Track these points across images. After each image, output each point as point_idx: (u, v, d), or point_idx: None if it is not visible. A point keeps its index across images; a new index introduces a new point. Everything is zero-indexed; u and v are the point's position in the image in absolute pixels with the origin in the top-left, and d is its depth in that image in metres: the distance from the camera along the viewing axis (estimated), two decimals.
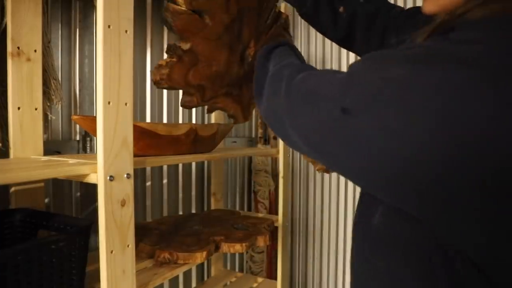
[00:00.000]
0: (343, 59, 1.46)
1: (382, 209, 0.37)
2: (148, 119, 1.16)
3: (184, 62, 0.60)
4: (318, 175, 1.55)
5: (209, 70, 0.65)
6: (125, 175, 0.54)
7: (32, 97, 0.69)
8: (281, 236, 1.09)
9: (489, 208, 0.27)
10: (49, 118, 0.80)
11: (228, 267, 1.52)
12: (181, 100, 0.65)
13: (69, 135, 0.95)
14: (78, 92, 0.97)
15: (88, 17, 0.98)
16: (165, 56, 1.23)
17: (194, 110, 1.32)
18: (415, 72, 0.28)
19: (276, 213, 1.11)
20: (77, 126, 0.96)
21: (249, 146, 1.58)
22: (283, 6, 0.95)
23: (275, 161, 1.58)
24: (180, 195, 1.28)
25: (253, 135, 1.64)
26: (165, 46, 1.21)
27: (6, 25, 0.65)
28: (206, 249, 0.76)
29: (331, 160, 0.35)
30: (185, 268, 0.74)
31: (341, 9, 0.67)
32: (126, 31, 0.53)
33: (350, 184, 1.46)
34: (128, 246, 0.55)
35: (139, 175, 1.13)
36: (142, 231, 0.86)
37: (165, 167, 1.22)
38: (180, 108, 1.28)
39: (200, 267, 1.35)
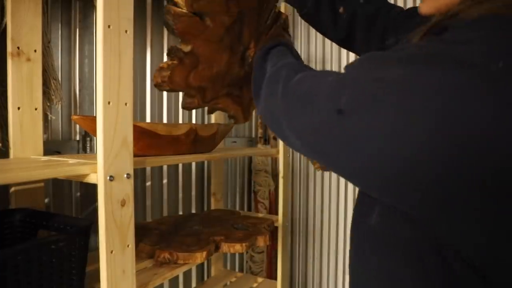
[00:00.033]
0: (343, 59, 1.46)
1: (379, 209, 0.37)
2: (148, 119, 1.16)
3: (185, 65, 0.60)
4: (318, 175, 1.55)
5: (210, 71, 0.65)
6: (125, 175, 0.54)
7: (32, 97, 0.69)
8: (281, 236, 1.09)
9: (489, 208, 0.27)
10: (49, 118, 0.80)
11: (228, 267, 1.52)
12: (182, 101, 0.66)
13: (69, 135, 0.95)
14: (78, 92, 0.97)
15: (88, 17, 0.98)
16: (165, 56, 1.23)
17: (194, 110, 1.32)
18: (414, 72, 0.28)
19: (276, 213, 1.11)
20: (77, 126, 0.96)
21: (249, 146, 1.58)
22: (283, 6, 0.95)
23: (275, 161, 1.58)
24: (180, 195, 1.27)
25: (253, 135, 1.64)
26: (165, 46, 1.21)
27: (6, 25, 0.65)
28: (206, 249, 0.76)
29: (328, 160, 0.36)
30: (185, 268, 0.74)
31: (341, 9, 0.67)
32: (126, 31, 0.53)
33: (350, 184, 1.46)
34: (128, 246, 0.55)
35: (139, 175, 1.13)
36: (142, 231, 0.86)
37: (165, 167, 1.22)
38: (180, 108, 1.28)
39: (200, 267, 1.35)
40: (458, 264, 0.31)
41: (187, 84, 0.62)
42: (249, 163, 1.62)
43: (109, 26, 0.50)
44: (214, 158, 0.86)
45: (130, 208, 0.55)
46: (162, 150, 0.71)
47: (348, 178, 0.36)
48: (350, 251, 0.43)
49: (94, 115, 0.53)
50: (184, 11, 0.56)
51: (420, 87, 0.26)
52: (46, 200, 0.84)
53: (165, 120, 1.22)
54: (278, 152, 1.10)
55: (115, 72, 0.52)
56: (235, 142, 1.53)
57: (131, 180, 0.55)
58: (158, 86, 0.58)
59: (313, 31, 1.51)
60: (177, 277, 1.25)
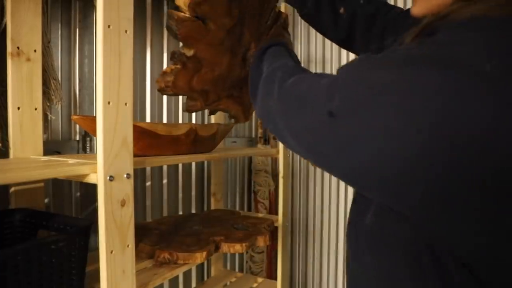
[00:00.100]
0: (343, 59, 1.46)
1: (374, 209, 0.37)
2: (148, 119, 1.16)
3: (188, 69, 0.60)
4: (318, 175, 1.55)
5: (212, 74, 0.66)
6: (125, 175, 0.54)
7: (32, 97, 0.69)
8: (281, 236, 1.09)
9: (489, 208, 0.27)
10: (49, 118, 0.80)
11: (228, 267, 1.52)
12: (185, 105, 0.66)
13: (69, 135, 0.95)
14: (78, 92, 0.97)
15: (88, 17, 0.98)
16: (165, 56, 1.23)
17: None
18: (414, 72, 0.28)
19: (276, 213, 1.11)
20: (77, 126, 0.96)
21: (249, 146, 1.58)
22: (283, 6, 0.95)
23: (275, 161, 1.58)
24: (180, 195, 1.27)
25: (253, 135, 1.64)
26: (165, 46, 1.21)
27: (6, 25, 0.65)
28: (206, 249, 0.76)
29: (323, 161, 0.36)
30: (185, 268, 0.74)
31: (341, 10, 0.67)
32: (126, 31, 0.53)
33: None
34: (128, 246, 0.55)
35: (139, 175, 1.13)
36: (142, 231, 0.86)
37: (165, 167, 1.22)
38: (180, 108, 1.28)
39: (200, 267, 1.35)
40: (453, 264, 0.31)
41: (190, 88, 0.62)
42: (249, 163, 1.62)
43: (109, 26, 0.50)
44: (214, 158, 0.86)
45: (130, 208, 0.55)
46: (162, 150, 0.71)
47: (344, 178, 0.36)
48: (347, 250, 0.43)
49: (94, 115, 0.53)
50: (187, 15, 0.56)
51: (420, 87, 0.26)
52: (46, 200, 0.84)
53: (165, 120, 1.22)
54: (278, 152, 1.10)
55: (115, 72, 0.52)
56: (235, 142, 1.53)
57: (131, 180, 0.55)
58: (161, 91, 0.59)
59: (313, 31, 1.51)
60: (177, 277, 1.25)
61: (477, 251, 0.30)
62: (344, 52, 1.45)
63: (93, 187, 0.52)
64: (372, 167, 0.29)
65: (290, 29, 1.56)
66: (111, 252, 0.53)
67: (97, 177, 0.52)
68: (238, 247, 0.82)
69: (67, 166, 0.53)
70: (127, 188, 0.55)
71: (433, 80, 0.26)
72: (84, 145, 0.96)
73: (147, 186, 1.15)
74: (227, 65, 0.68)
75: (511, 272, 0.30)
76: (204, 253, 0.75)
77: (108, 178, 0.52)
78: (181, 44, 0.59)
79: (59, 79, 0.87)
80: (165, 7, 1.20)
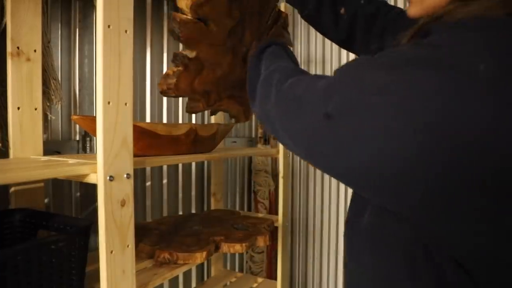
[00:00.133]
0: (343, 59, 1.46)
1: (371, 209, 0.38)
2: (148, 119, 1.16)
3: (190, 70, 0.60)
4: (318, 175, 1.55)
5: (214, 75, 0.66)
6: (125, 175, 0.54)
7: (32, 97, 0.69)
8: (281, 236, 1.09)
9: (489, 208, 0.27)
10: (49, 118, 0.80)
11: (228, 267, 1.52)
12: (187, 106, 0.66)
13: (69, 135, 0.95)
14: (78, 92, 0.97)
15: (88, 17, 0.98)
16: (165, 56, 1.23)
17: None
18: (414, 73, 0.28)
19: (276, 213, 1.11)
20: (77, 126, 0.96)
21: (249, 146, 1.58)
22: (283, 6, 0.95)
23: (275, 161, 1.58)
24: (180, 195, 1.27)
25: (253, 135, 1.64)
26: (165, 46, 1.21)
27: (6, 25, 0.65)
28: (206, 249, 0.76)
29: (322, 162, 0.36)
30: (185, 268, 0.74)
31: (342, 10, 0.67)
32: (126, 31, 0.53)
33: None
34: (128, 246, 0.55)
35: (139, 175, 1.13)
36: (142, 231, 0.86)
37: (165, 167, 1.22)
38: (180, 108, 1.28)
39: (200, 267, 1.35)
40: (448, 264, 0.31)
41: (192, 89, 0.62)
42: (249, 163, 1.62)
43: (109, 26, 0.50)
44: (214, 158, 0.86)
45: (130, 208, 0.55)
46: (162, 150, 0.71)
47: (343, 179, 0.36)
48: (344, 250, 0.44)
49: (94, 115, 0.53)
50: (189, 17, 0.56)
51: (420, 87, 0.27)
52: (46, 200, 0.84)
53: (165, 120, 1.22)
54: (278, 152, 1.10)
55: (115, 72, 0.52)
56: (235, 142, 1.53)
57: (131, 180, 0.55)
58: (163, 93, 0.59)
59: (313, 31, 1.51)
60: (177, 277, 1.25)
61: (477, 251, 0.30)
62: (344, 52, 1.45)
63: (93, 187, 0.52)
64: (372, 167, 0.29)
65: (290, 29, 1.56)
66: (111, 252, 0.53)
67: (97, 177, 0.52)
68: (238, 247, 0.82)
69: (67, 166, 0.52)
70: (127, 188, 0.55)
71: (433, 80, 0.26)
72: (84, 145, 0.96)
73: (147, 186, 1.15)
74: (228, 65, 0.68)
75: (510, 272, 0.30)
76: (204, 253, 0.75)
77: (108, 178, 0.52)
78: (180, 45, 0.59)
79: (59, 79, 0.87)
80: (165, 7, 1.20)
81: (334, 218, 1.51)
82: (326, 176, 1.53)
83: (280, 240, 1.09)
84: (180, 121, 1.28)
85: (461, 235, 0.29)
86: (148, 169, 1.15)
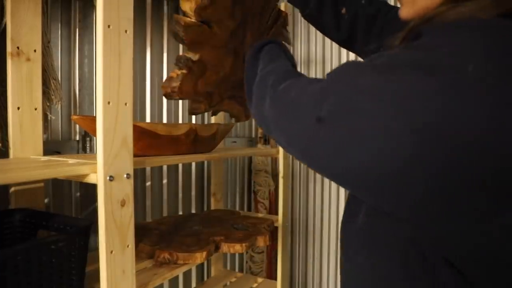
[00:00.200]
0: (343, 59, 1.46)
1: (365, 209, 0.38)
2: (148, 119, 1.16)
3: (193, 73, 0.60)
4: (318, 175, 1.55)
5: (216, 76, 0.66)
6: (125, 175, 0.54)
7: (32, 97, 0.69)
8: (281, 236, 1.09)
9: (489, 208, 0.27)
10: (49, 118, 0.80)
11: (228, 267, 1.52)
12: (189, 107, 0.66)
13: (68, 135, 0.95)
14: (78, 92, 0.97)
15: (88, 17, 0.98)
16: (165, 56, 1.23)
17: None
18: (414, 73, 0.28)
19: (276, 213, 1.11)
20: (77, 126, 0.96)
21: (249, 146, 1.58)
22: (283, 6, 0.95)
23: (275, 161, 1.58)
24: (180, 195, 1.27)
25: (253, 135, 1.64)
26: (165, 46, 1.21)
27: (5, 25, 0.65)
28: (206, 249, 0.76)
29: (318, 164, 0.36)
30: (185, 268, 0.74)
31: (343, 10, 0.67)
32: (126, 31, 0.53)
33: None
34: (128, 246, 0.55)
35: (139, 175, 1.13)
36: (142, 231, 0.86)
37: (165, 167, 1.22)
38: (180, 108, 1.28)
39: (200, 267, 1.35)
40: (441, 264, 0.32)
41: (195, 91, 0.62)
42: (249, 163, 1.62)
43: (109, 26, 0.50)
44: (214, 158, 0.86)
45: (130, 208, 0.55)
46: (162, 150, 0.71)
47: (340, 180, 0.36)
48: (340, 250, 0.44)
49: (94, 115, 0.53)
50: (192, 20, 0.56)
51: (420, 88, 0.27)
52: (46, 200, 0.84)
53: (165, 120, 1.22)
54: (278, 152, 1.10)
55: (115, 72, 0.52)
56: (235, 142, 1.53)
57: (131, 180, 0.55)
58: (167, 96, 0.59)
59: (313, 30, 1.51)
60: (177, 277, 1.25)
61: (477, 251, 0.30)
62: (344, 52, 1.45)
63: (93, 187, 0.52)
64: (371, 167, 0.29)
65: (290, 29, 1.56)
66: (111, 252, 0.53)
67: (97, 177, 0.52)
68: (238, 247, 0.82)
69: (67, 166, 0.52)
70: (127, 188, 0.55)
71: (433, 81, 0.26)
72: (84, 145, 0.96)
73: (147, 186, 1.15)
74: (230, 66, 0.68)
75: (510, 272, 0.30)
76: (204, 253, 0.75)
77: (108, 178, 0.52)
78: (180, 45, 0.59)
79: (59, 79, 0.87)
80: (165, 7, 1.20)
81: (334, 218, 1.51)
82: None
83: (280, 240, 1.09)
84: (180, 121, 1.28)
85: (461, 235, 0.29)
86: (148, 169, 1.15)
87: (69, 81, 0.95)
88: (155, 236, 0.83)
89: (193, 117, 1.32)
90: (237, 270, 1.56)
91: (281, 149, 1.09)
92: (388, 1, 0.69)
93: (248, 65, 0.55)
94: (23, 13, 0.66)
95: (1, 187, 0.61)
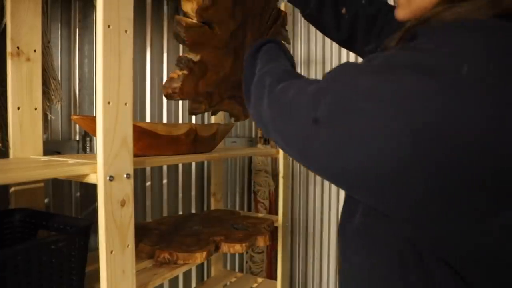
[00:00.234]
0: (343, 59, 1.46)
1: (362, 209, 0.38)
2: (148, 119, 1.16)
3: (194, 74, 0.60)
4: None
5: (217, 76, 0.66)
6: (125, 175, 0.54)
7: (32, 97, 0.69)
8: (281, 236, 1.09)
9: (489, 208, 0.27)
10: (49, 118, 0.80)
11: (228, 267, 1.52)
12: (190, 107, 0.66)
13: (68, 135, 0.95)
14: (78, 92, 0.97)
15: (88, 17, 0.98)
16: (165, 56, 1.23)
17: None
18: (413, 73, 0.28)
19: (276, 213, 1.11)
20: (77, 126, 0.96)
21: (249, 146, 1.58)
22: (283, 6, 0.95)
23: (275, 161, 1.58)
24: (180, 195, 1.27)
25: (253, 135, 1.64)
26: (165, 46, 1.21)
27: (5, 25, 0.65)
28: (206, 249, 0.76)
29: (316, 164, 0.36)
30: (185, 268, 0.74)
31: (343, 10, 0.67)
32: (126, 31, 0.53)
33: None
34: (128, 246, 0.55)
35: (139, 175, 1.13)
36: (142, 231, 0.86)
37: (165, 167, 1.22)
38: (180, 108, 1.28)
39: (200, 267, 1.35)
40: (436, 264, 0.32)
41: (196, 92, 0.62)
42: (249, 163, 1.62)
43: (109, 26, 0.50)
44: (214, 158, 0.86)
45: (130, 208, 0.55)
46: (162, 150, 0.71)
47: (338, 180, 0.36)
48: (339, 251, 0.44)
49: (94, 115, 0.53)
50: (194, 21, 0.56)
51: (420, 88, 0.27)
52: (46, 200, 0.84)
53: (165, 120, 1.22)
54: (278, 152, 1.10)
55: (115, 72, 0.52)
56: (235, 142, 1.53)
57: (131, 180, 0.55)
58: (168, 97, 0.59)
59: (313, 30, 1.51)
60: (177, 277, 1.25)
61: (477, 251, 0.30)
62: (344, 51, 1.45)
63: (93, 187, 0.52)
64: (371, 167, 0.29)
65: (290, 28, 1.56)
66: (111, 252, 0.53)
67: (97, 177, 0.52)
68: (238, 247, 0.82)
69: (67, 166, 0.52)
70: (127, 188, 0.55)
71: (433, 81, 0.26)
72: (84, 145, 0.96)
73: (147, 186, 1.15)
74: (230, 66, 0.68)
75: (510, 272, 0.30)
76: (204, 253, 0.75)
77: (108, 178, 0.52)
78: (181, 45, 0.59)
79: (59, 79, 0.87)
80: (165, 7, 1.20)
81: (334, 218, 1.51)
82: None
83: (280, 240, 1.09)
84: (180, 121, 1.28)
85: (461, 235, 0.29)
86: (148, 169, 1.15)
87: (69, 81, 0.95)
88: (155, 236, 0.83)
89: (193, 117, 1.32)
90: (237, 270, 1.56)
91: (281, 149, 1.09)
92: (388, 1, 0.69)
93: (246, 65, 0.55)
94: (23, 13, 0.66)
95: (1, 187, 0.61)
